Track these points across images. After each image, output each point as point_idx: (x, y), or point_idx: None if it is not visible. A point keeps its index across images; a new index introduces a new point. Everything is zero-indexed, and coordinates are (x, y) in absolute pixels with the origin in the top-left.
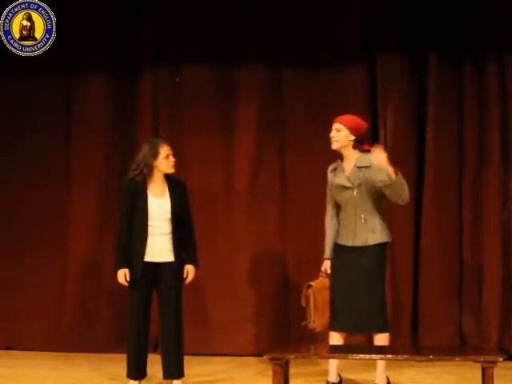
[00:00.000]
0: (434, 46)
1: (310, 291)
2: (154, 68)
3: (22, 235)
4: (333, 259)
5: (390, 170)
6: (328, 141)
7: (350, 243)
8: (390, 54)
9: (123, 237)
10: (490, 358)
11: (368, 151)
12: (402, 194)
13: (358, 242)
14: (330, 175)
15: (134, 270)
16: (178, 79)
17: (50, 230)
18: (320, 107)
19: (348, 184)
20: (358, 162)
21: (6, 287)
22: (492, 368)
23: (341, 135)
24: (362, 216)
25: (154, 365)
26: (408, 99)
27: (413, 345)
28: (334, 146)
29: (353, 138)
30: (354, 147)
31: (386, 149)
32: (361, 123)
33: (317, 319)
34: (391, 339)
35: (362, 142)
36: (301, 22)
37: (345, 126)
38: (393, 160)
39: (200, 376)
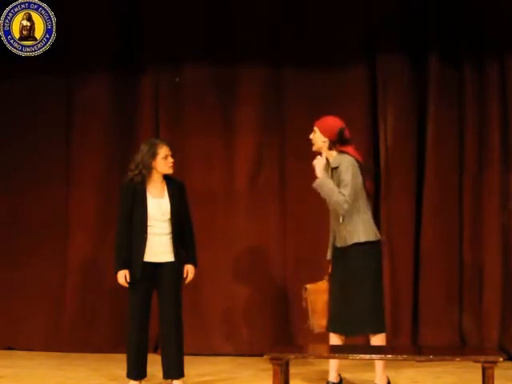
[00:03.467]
0: (434, 46)
1: (306, 294)
2: (154, 68)
3: (22, 235)
4: (332, 261)
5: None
6: None
7: (337, 244)
8: (390, 54)
9: (122, 238)
10: (490, 358)
11: (343, 152)
12: (331, 202)
13: (340, 243)
14: None
15: (133, 271)
16: (177, 79)
17: (50, 230)
18: (320, 107)
19: None
20: (332, 163)
21: (6, 287)
22: (492, 368)
23: (315, 137)
24: (341, 216)
25: (154, 365)
26: (408, 99)
27: (413, 345)
28: (313, 147)
29: (325, 139)
30: (330, 148)
31: (387, 149)
32: (333, 124)
33: (315, 321)
34: (391, 339)
35: (343, 143)
36: (301, 22)
37: (318, 128)
38: (392, 162)
39: (200, 376)
